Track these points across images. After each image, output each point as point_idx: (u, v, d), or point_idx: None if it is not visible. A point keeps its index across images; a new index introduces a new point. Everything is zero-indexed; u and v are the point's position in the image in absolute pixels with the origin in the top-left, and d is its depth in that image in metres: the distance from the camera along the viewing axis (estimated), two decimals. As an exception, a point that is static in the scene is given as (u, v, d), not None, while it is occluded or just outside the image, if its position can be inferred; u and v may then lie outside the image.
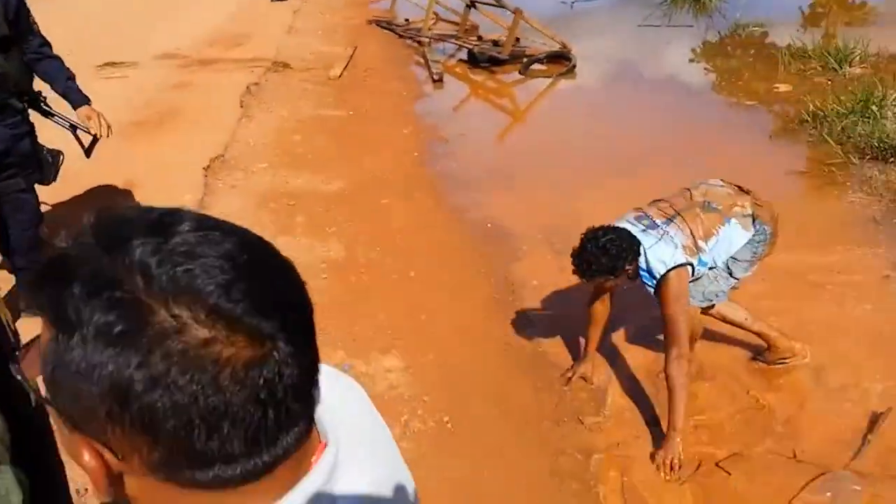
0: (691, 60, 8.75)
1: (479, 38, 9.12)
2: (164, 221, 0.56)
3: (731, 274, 2.99)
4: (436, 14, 10.06)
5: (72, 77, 3.45)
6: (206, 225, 0.58)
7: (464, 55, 8.94)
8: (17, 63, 3.19)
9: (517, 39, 8.62)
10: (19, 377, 0.63)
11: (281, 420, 0.57)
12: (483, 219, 4.78)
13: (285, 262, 0.61)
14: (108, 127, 3.52)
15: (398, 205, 4.91)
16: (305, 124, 6.50)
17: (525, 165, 5.67)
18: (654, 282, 2.80)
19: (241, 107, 6.74)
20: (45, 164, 3.42)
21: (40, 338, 0.58)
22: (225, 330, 0.53)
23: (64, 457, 1.46)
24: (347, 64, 8.34)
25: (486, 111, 7.74)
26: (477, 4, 9.23)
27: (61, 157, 3.51)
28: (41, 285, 0.56)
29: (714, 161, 5.15)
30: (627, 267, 2.79)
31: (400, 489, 0.73)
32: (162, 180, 5.06)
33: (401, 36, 9.99)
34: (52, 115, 3.40)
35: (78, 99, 3.44)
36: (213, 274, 0.54)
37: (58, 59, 3.40)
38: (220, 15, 10.85)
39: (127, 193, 4.88)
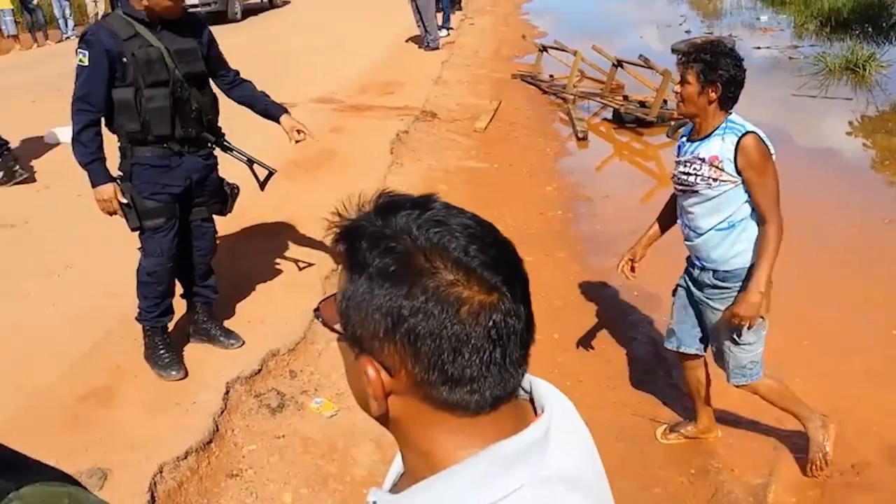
0: (849, 134, 8.40)
1: (626, 97, 9.10)
2: (422, 200, 0.78)
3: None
4: (581, 72, 10.14)
5: (266, 94, 3.71)
6: (451, 206, 0.78)
7: (609, 114, 8.95)
8: (210, 98, 3.46)
9: (665, 101, 8.55)
10: (320, 320, 0.82)
11: (507, 360, 0.73)
12: (630, 285, 4.71)
13: (507, 240, 0.78)
14: (310, 134, 3.69)
15: (541, 263, 4.93)
16: (451, 174, 6.67)
17: (673, 231, 5.56)
18: (738, 133, 2.65)
19: (391, 153, 6.99)
20: (227, 197, 3.66)
21: (338, 287, 0.78)
22: (464, 277, 0.71)
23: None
24: (493, 117, 8.52)
25: (631, 172, 7.69)
26: (624, 64, 9.24)
27: (238, 191, 3.74)
28: (341, 241, 0.78)
29: (868, 239, 4.90)
30: (722, 80, 2.62)
31: (599, 473, 0.86)
32: (316, 220, 5.29)
33: (545, 91, 10.12)
34: (232, 150, 3.65)
35: (278, 110, 3.67)
36: (455, 237, 0.73)
37: (250, 81, 3.69)
38: (373, 62, 11.36)
39: (286, 227, 5.14)
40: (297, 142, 3.67)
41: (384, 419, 0.78)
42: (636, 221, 5.90)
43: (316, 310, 0.83)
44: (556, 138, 8.23)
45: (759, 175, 2.65)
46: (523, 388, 0.81)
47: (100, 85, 3.13)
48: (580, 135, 8.04)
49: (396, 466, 0.89)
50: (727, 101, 2.68)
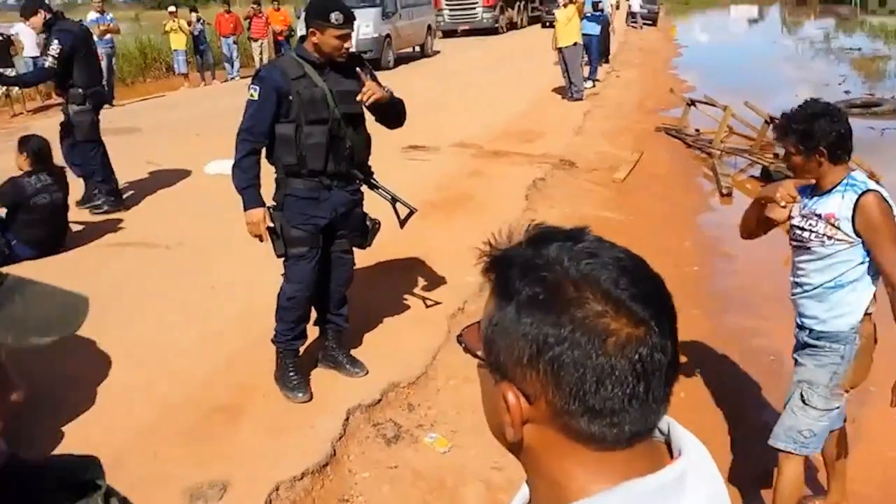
0: None
1: (776, 155, 8.71)
2: (575, 233, 0.79)
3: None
4: (730, 127, 9.84)
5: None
6: (603, 240, 0.79)
7: (756, 171, 8.61)
8: (363, 138, 3.61)
9: (818, 161, 8.13)
10: (462, 346, 0.84)
11: (650, 396, 0.72)
12: (765, 349, 4.47)
13: (658, 276, 0.78)
14: (411, 206, 3.79)
15: (673, 318, 4.75)
16: (585, 223, 6.47)
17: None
18: (858, 191, 2.46)
19: (526, 199, 7.00)
20: (368, 231, 3.79)
21: (483, 315, 0.79)
22: (613, 309, 0.71)
23: None
24: (633, 168, 8.39)
25: (776, 232, 7.31)
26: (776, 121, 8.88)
27: (378, 226, 3.87)
28: (492, 269, 0.79)
29: None
30: (823, 143, 2.47)
31: None
32: (448, 259, 5.36)
33: (689, 146, 9.88)
34: (379, 188, 3.79)
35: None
36: (607, 268, 0.73)
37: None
38: (515, 110, 11.50)
39: (418, 264, 5.24)
40: (411, 210, 3.85)
41: (517, 447, 0.78)
42: (777, 283, 5.63)
43: (459, 336, 0.85)
44: (698, 193, 8.00)
45: (881, 236, 2.48)
46: (660, 429, 0.80)
47: (265, 119, 3.38)
48: (724, 191, 7.76)
49: (522, 495, 0.88)
50: (838, 157, 2.54)
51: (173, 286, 5.00)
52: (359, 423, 3.48)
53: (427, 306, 4.67)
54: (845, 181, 2.54)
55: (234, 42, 17.16)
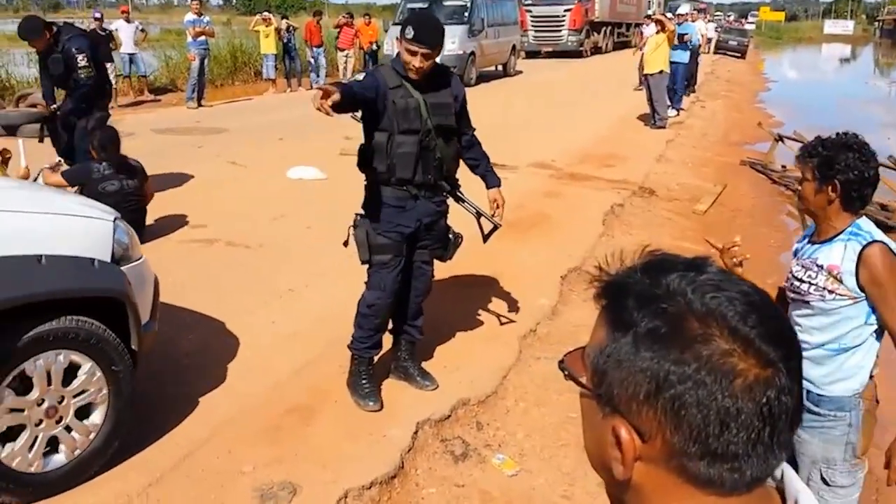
0: None
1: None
2: (697, 263, 0.75)
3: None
4: (818, 165, 9.53)
5: (489, 161, 3.85)
6: (727, 272, 0.74)
7: (844, 213, 8.30)
8: (454, 150, 3.63)
9: (911, 207, 7.81)
10: (566, 373, 0.81)
11: (774, 441, 0.69)
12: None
13: (784, 314, 0.74)
14: (496, 220, 3.82)
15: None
16: (636, 254, 6.45)
17: None
18: (863, 242, 2.26)
19: (603, 224, 6.92)
20: (450, 244, 3.80)
21: (590, 342, 0.77)
22: (740, 347, 0.67)
23: None
24: (715, 200, 8.21)
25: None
26: (870, 163, 8.57)
27: (461, 240, 3.87)
28: (605, 296, 0.76)
29: None
30: (842, 178, 2.26)
31: None
32: (522, 279, 5.34)
33: (775, 182, 9.61)
34: (464, 201, 3.80)
35: (493, 181, 3.82)
36: (733, 303, 0.69)
37: (480, 145, 3.83)
38: (596, 135, 11.42)
39: (493, 282, 5.22)
40: (495, 226, 3.86)
41: (622, 485, 0.75)
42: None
43: (561, 362, 0.82)
44: (782, 230, 7.76)
45: (887, 291, 2.25)
46: (772, 476, 0.76)
47: (364, 90, 3.27)
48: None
49: None
50: (850, 202, 2.32)
51: (253, 286, 5.10)
52: (427, 437, 3.47)
53: (501, 324, 4.65)
54: (850, 229, 2.33)
55: (322, 51, 17.53)
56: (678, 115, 13.65)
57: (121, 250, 3.10)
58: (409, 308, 3.78)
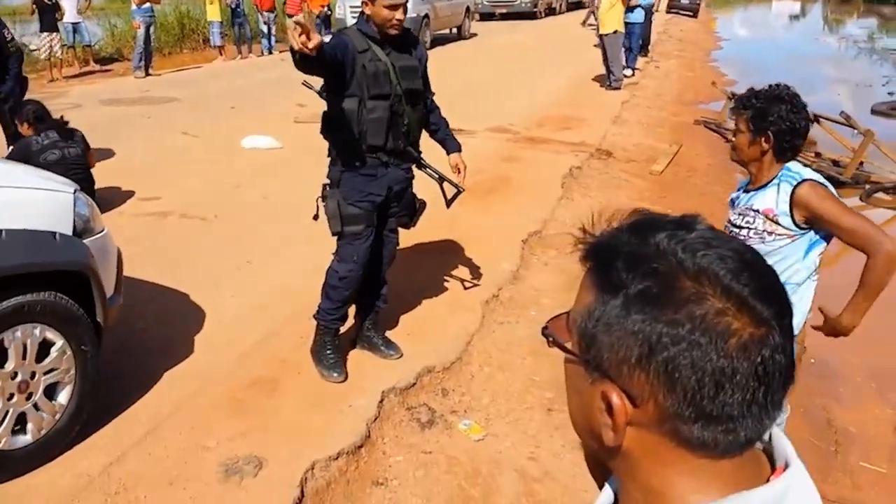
0: None
1: (818, 154, 8.56)
2: (685, 221, 0.72)
3: None
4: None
5: (448, 126, 3.81)
6: (717, 229, 0.72)
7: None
8: (419, 115, 3.57)
9: (861, 163, 7.97)
10: (550, 339, 0.78)
11: (769, 401, 0.67)
12: (808, 354, 4.38)
13: (774, 271, 0.71)
14: (459, 185, 3.80)
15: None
16: (621, 214, 6.50)
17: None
18: (793, 182, 2.37)
19: (562, 188, 6.93)
20: (416, 210, 3.76)
21: (575, 307, 0.74)
22: (734, 306, 0.65)
23: None
24: (671, 161, 8.27)
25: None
26: (821, 120, 8.70)
27: (424, 207, 3.83)
28: (591, 258, 0.74)
29: None
30: (774, 129, 2.37)
31: None
32: (483, 244, 5.33)
33: (728, 140, 9.70)
34: (426, 167, 3.74)
35: (454, 146, 3.78)
36: (725, 261, 0.67)
37: (439, 110, 3.78)
38: (552, 98, 11.40)
39: (454, 247, 5.21)
40: (458, 190, 3.80)
41: (610, 451, 0.73)
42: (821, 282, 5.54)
43: (545, 328, 0.79)
44: (736, 188, 7.85)
45: (831, 215, 2.35)
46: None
47: (335, 49, 3.14)
48: (763, 188, 7.62)
49: (606, 499, 0.83)
50: (783, 152, 2.42)
51: (211, 258, 5.01)
52: (393, 405, 3.47)
53: (462, 291, 4.64)
54: (780, 175, 2.43)
55: (274, 17, 17.14)
56: (633, 75, 13.67)
57: (82, 223, 3.03)
58: (376, 278, 3.74)
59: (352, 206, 3.43)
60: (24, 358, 2.79)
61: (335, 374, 3.60)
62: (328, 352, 3.65)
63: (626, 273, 0.69)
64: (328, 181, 3.53)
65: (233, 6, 16.01)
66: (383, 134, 3.38)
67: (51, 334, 2.87)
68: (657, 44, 18.61)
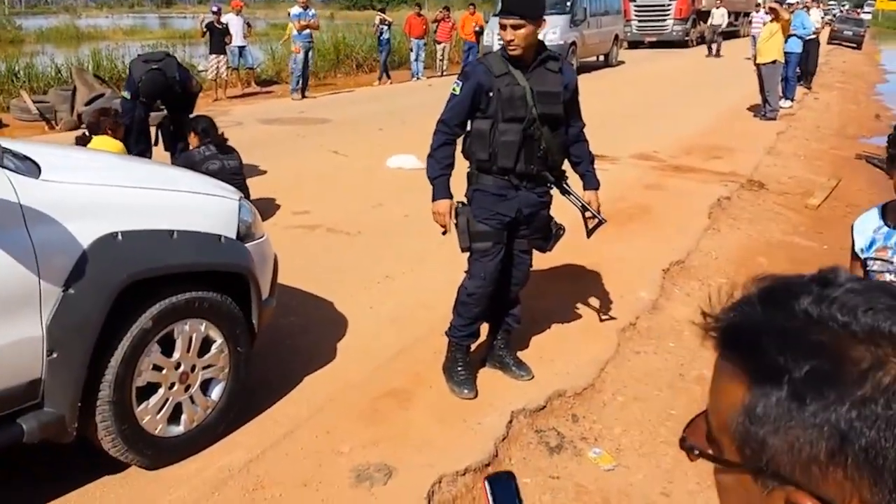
0: None
1: None
2: (825, 276, 0.62)
3: None
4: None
5: (593, 162, 3.76)
6: (861, 279, 0.62)
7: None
8: (560, 141, 3.56)
9: None
10: (695, 452, 0.67)
11: None
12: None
13: None
14: (601, 216, 3.74)
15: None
16: (773, 248, 6.19)
17: None
18: None
19: (709, 218, 6.68)
20: (551, 235, 3.74)
21: (718, 405, 0.63)
22: None
23: None
24: (829, 195, 7.80)
25: None
26: None
27: (563, 232, 3.80)
28: (729, 345, 0.62)
29: None
30: None
31: None
32: (621, 271, 5.22)
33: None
34: (570, 194, 3.72)
35: (592, 183, 3.74)
36: (894, 312, 0.57)
37: (588, 143, 3.74)
38: (703, 125, 11.06)
39: (590, 274, 5.13)
40: (600, 221, 3.74)
41: None
42: None
43: (683, 439, 0.69)
44: (867, 220, 7.29)
45: None
46: None
47: (462, 113, 3.44)
48: (934, 228, 7.03)
49: None
50: None
51: (352, 271, 5.19)
52: (522, 427, 3.44)
53: (597, 317, 4.55)
54: None
55: (423, 44, 17.66)
56: (791, 106, 13.05)
57: (245, 228, 3.24)
58: (507, 297, 3.75)
59: (481, 223, 3.48)
60: (188, 351, 3.00)
61: (465, 391, 3.62)
62: (459, 368, 3.68)
63: (782, 355, 0.58)
64: (464, 200, 3.58)
65: (378, 34, 16.61)
66: (514, 156, 3.39)
67: (213, 332, 3.07)
68: (817, 75, 17.68)
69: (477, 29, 17.75)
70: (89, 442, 2.84)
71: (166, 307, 2.86)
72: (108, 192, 2.86)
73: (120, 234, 2.71)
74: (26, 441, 2.56)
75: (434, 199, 3.51)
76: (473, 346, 3.80)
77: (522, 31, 3.27)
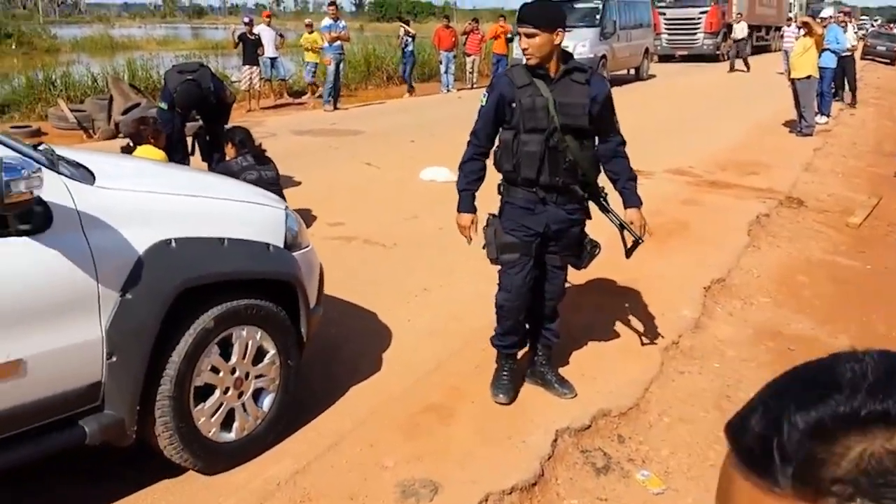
0: None
1: None
2: (851, 358, 0.51)
3: None
4: None
5: (633, 179, 3.67)
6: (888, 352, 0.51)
7: None
8: (590, 154, 3.50)
9: None
10: None
11: None
12: None
13: None
14: (648, 233, 3.67)
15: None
16: (813, 266, 6.08)
17: None
18: None
19: (749, 235, 6.59)
20: (584, 253, 3.69)
21: None
22: None
23: None
24: (870, 213, 7.66)
25: None
26: None
27: (598, 250, 3.74)
28: (757, 464, 0.50)
29: None
30: None
31: None
32: (661, 289, 5.15)
33: (936, 195, 8.88)
34: (608, 212, 3.66)
35: (632, 200, 3.63)
36: None
37: (627, 159, 3.65)
38: (737, 141, 10.96)
39: (629, 291, 5.06)
40: (637, 240, 3.65)
41: None
42: None
43: None
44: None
45: None
46: None
47: (489, 124, 3.46)
48: (980, 249, 6.88)
49: None
50: None
51: (390, 283, 5.17)
52: (567, 446, 3.38)
53: (639, 335, 4.48)
54: None
55: (453, 56, 17.70)
56: (827, 122, 12.89)
57: (291, 237, 3.25)
58: (542, 310, 3.72)
59: (508, 234, 3.47)
60: (243, 357, 3.01)
61: (499, 395, 3.64)
62: (503, 374, 3.72)
63: (836, 469, 0.47)
64: (495, 212, 3.59)
65: (403, 46, 16.63)
66: (536, 167, 3.36)
67: (266, 343, 3.08)
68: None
69: (508, 36, 17.74)
70: (147, 445, 2.85)
71: (227, 310, 2.89)
72: (161, 200, 2.88)
73: (173, 241, 2.74)
74: (88, 443, 2.59)
75: (458, 211, 3.56)
76: (519, 356, 3.78)
77: (536, 39, 3.26)
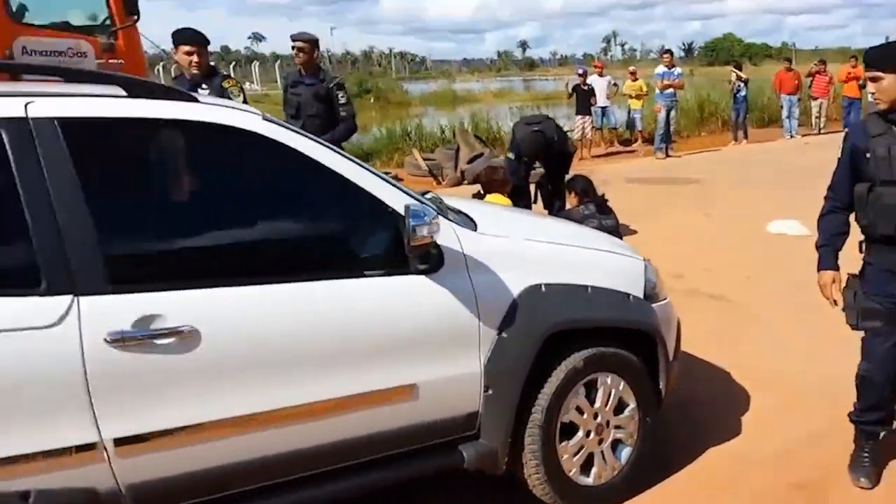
0: None
1: None
2: None
3: None
4: None
5: None
6: None
7: None
8: None
9: None
10: None
11: None
12: None
13: None
14: None
15: None
16: None
17: None
18: None
19: None
20: None
21: None
22: None
23: None
24: None
25: None
26: None
27: None
28: None
29: None
30: None
31: None
32: None
33: None
34: None
35: None
36: None
37: None
38: None
39: None
40: None
41: None
42: None
43: None
44: None
45: None
46: None
47: (844, 178, 3.18)
48: None
49: None
50: None
51: (741, 344, 4.89)
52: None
53: None
54: None
55: (797, 99, 16.54)
56: None
57: (650, 288, 3.24)
58: None
59: (869, 300, 3.11)
60: (605, 404, 3.05)
61: (861, 479, 3.26)
62: (863, 454, 3.32)
63: None
64: (855, 272, 3.24)
65: (734, 91, 15.74)
66: (894, 223, 2.98)
67: (627, 395, 3.10)
68: None
69: (861, 82, 16.12)
70: (514, 476, 2.98)
71: (595, 353, 2.96)
72: (533, 247, 3.03)
73: (544, 286, 2.86)
74: (465, 467, 2.79)
75: (818, 269, 3.26)
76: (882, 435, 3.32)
77: (883, 82, 2.97)
